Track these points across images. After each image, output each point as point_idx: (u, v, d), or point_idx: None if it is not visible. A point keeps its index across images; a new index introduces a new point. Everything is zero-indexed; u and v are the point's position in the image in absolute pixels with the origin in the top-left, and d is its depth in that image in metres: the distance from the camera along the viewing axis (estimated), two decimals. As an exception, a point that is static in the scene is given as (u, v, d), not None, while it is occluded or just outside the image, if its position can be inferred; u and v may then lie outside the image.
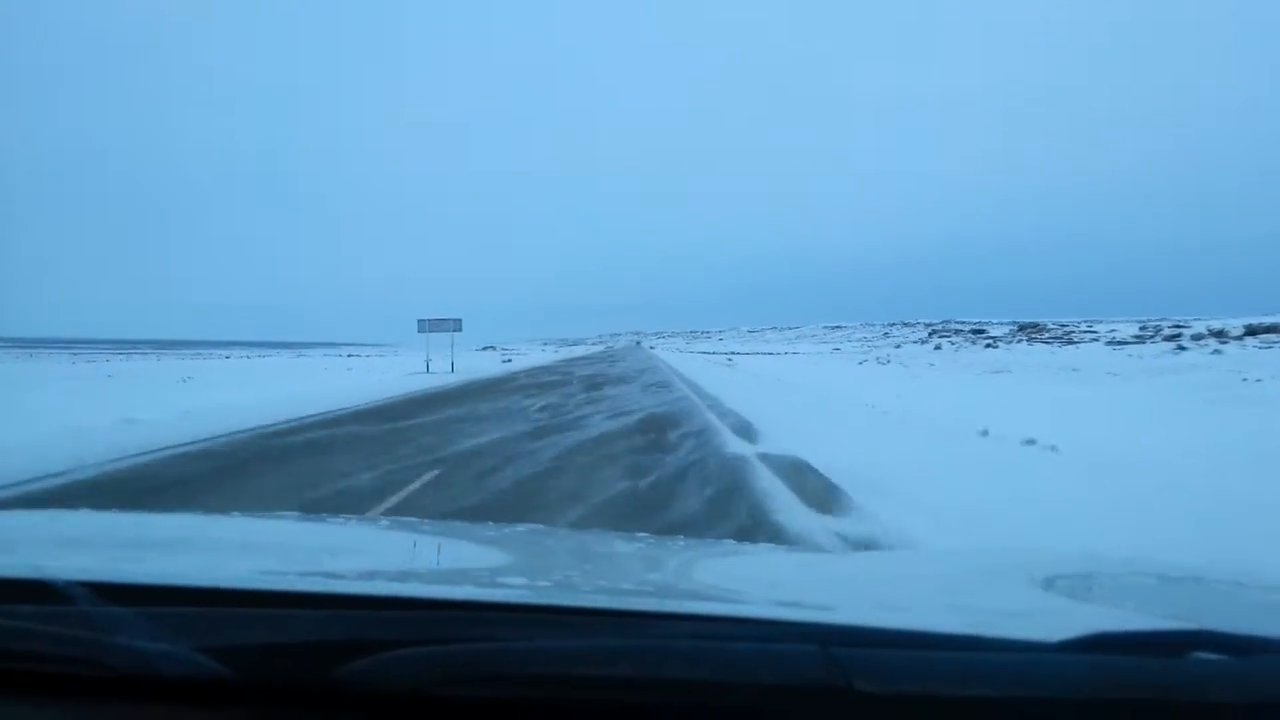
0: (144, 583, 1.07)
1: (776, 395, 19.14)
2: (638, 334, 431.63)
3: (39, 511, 2.26)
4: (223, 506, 6.20)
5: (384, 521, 2.30)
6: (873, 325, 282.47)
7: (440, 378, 28.87)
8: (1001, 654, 0.94)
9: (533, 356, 65.50)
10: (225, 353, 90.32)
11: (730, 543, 2.59)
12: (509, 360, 50.50)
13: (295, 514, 2.41)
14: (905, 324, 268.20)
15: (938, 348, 44.27)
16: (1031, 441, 9.16)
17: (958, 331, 58.27)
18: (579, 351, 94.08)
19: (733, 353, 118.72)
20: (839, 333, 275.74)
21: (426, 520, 2.41)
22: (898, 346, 51.86)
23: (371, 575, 1.43)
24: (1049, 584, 1.47)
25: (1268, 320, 29.50)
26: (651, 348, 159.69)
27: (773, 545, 2.96)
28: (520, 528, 2.14)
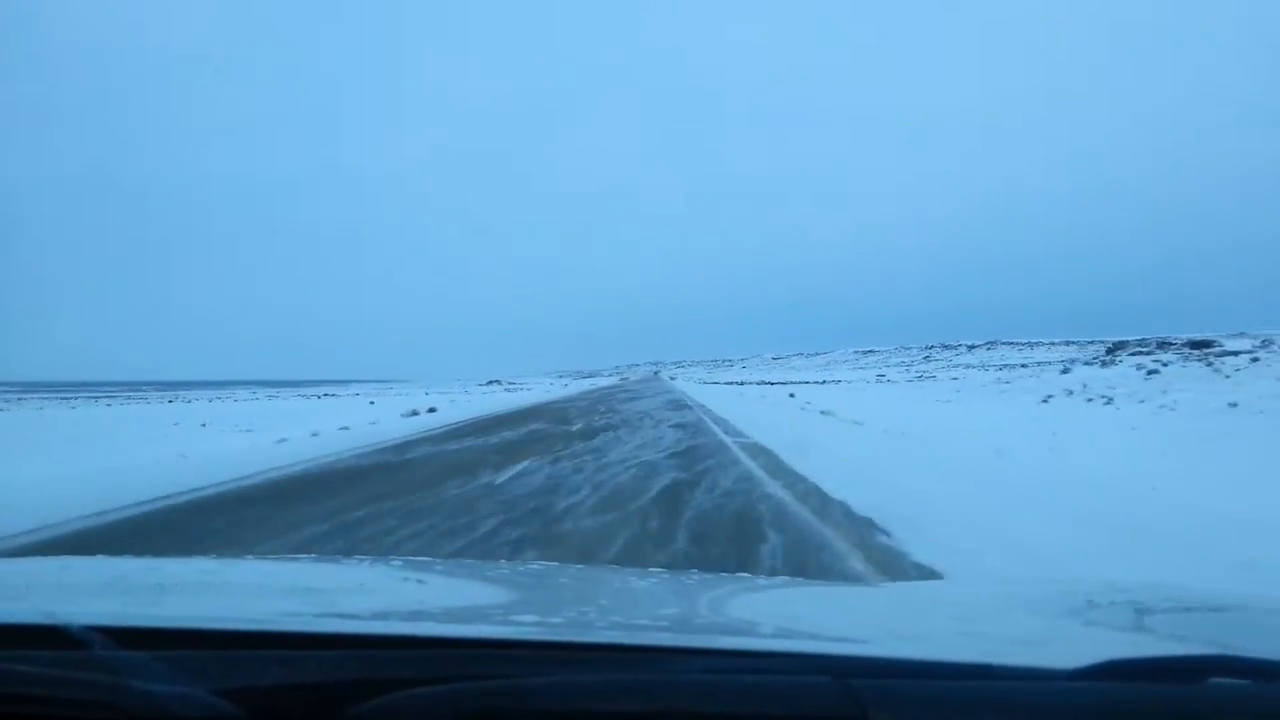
0: (159, 626, 1.08)
1: None
2: (656, 364, 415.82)
3: (51, 558, 2.20)
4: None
5: (397, 561, 2.21)
6: (909, 348, 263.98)
7: None
8: (1017, 683, 0.94)
9: (518, 395, 49.26)
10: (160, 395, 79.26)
11: (745, 576, 2.39)
12: (431, 411, 26.64)
13: (309, 556, 2.46)
14: (946, 346, 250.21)
15: (1152, 373, 26.60)
16: None
17: (1162, 346, 39.72)
18: (584, 386, 77.79)
19: (765, 382, 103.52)
20: (872, 357, 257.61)
21: (439, 559, 2.58)
22: (1064, 371, 33.72)
23: (385, 615, 1.43)
24: (1064, 611, 1.50)
25: None
26: (672, 378, 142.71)
27: (787, 578, 2.75)
28: (534, 565, 2.20)
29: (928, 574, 5.03)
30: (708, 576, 2.26)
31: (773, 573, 5.16)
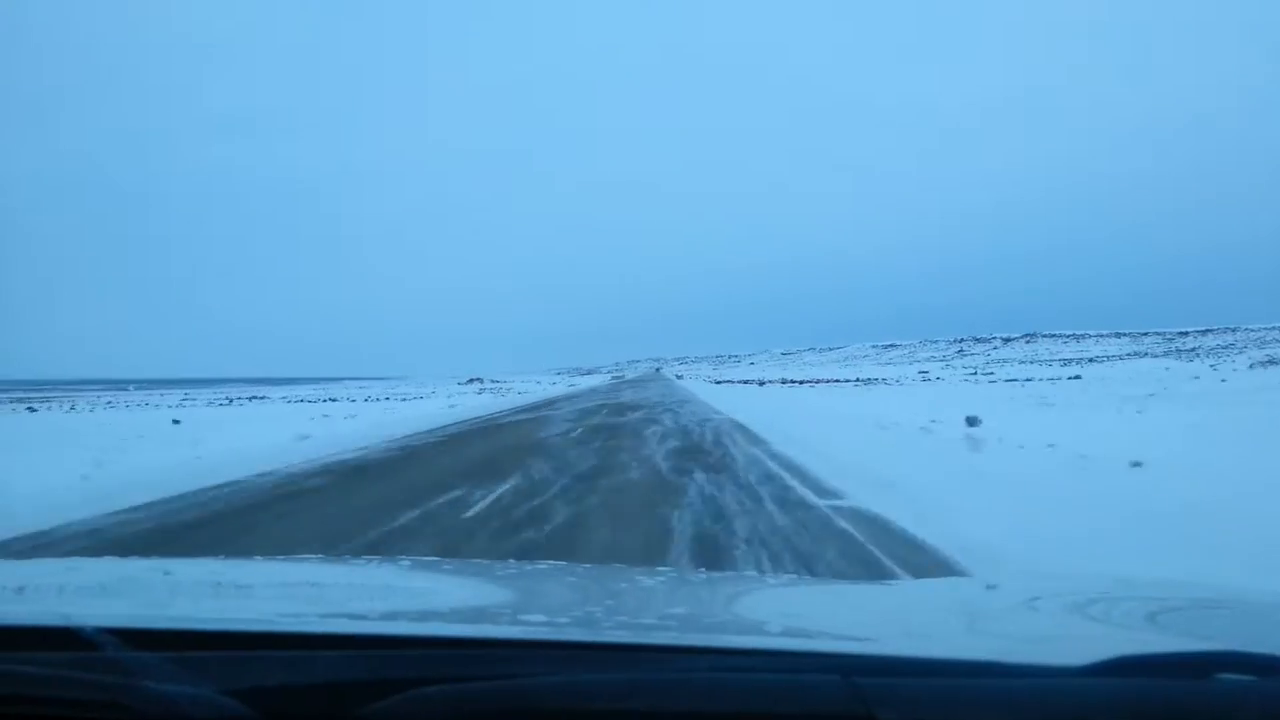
0: (169, 628, 1.10)
1: None
2: (658, 360, 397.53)
3: (61, 560, 2.34)
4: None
5: (405, 561, 2.23)
6: (935, 341, 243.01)
7: None
8: (1025, 680, 0.94)
9: (458, 404, 29.23)
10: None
11: (752, 575, 2.60)
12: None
13: (317, 556, 2.40)
14: (978, 339, 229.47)
15: None
16: None
17: None
18: (562, 390, 56.86)
19: (790, 381, 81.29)
20: (895, 351, 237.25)
21: (447, 559, 2.47)
22: None
23: (393, 615, 1.45)
24: (1073, 609, 1.50)
25: None
26: (678, 377, 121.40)
27: (795, 576, 2.95)
28: (542, 564, 2.17)
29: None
30: (715, 575, 2.16)
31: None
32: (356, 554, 5.53)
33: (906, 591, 2.11)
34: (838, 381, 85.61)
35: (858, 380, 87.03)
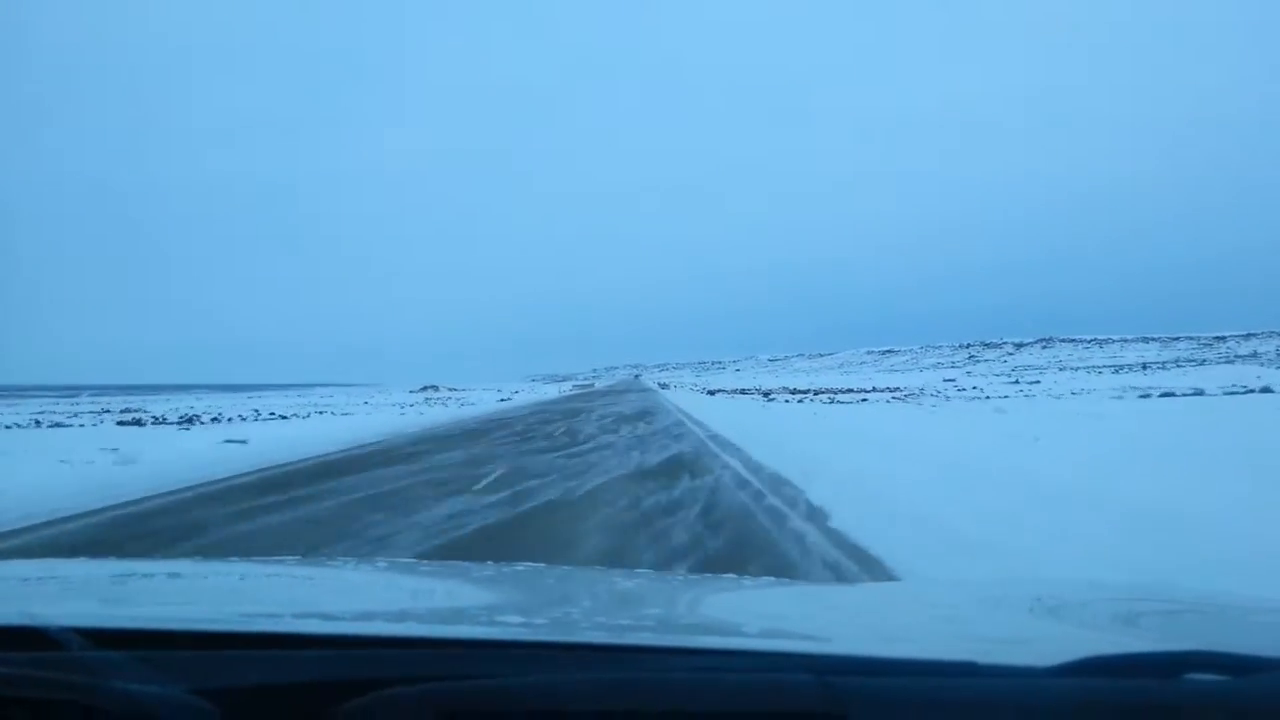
0: (139, 627, 1.08)
1: None
2: (637, 367, 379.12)
3: (33, 560, 2.17)
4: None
5: (382, 563, 2.25)
6: (939, 346, 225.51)
7: None
8: (998, 680, 0.95)
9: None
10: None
11: (730, 577, 2.47)
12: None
13: (293, 557, 2.45)
14: (988, 344, 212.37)
15: None
16: None
17: None
18: (495, 408, 37.90)
19: (794, 391, 60.07)
20: (895, 358, 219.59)
21: (424, 561, 2.42)
22: None
23: (368, 615, 1.45)
24: (1048, 611, 1.53)
25: None
26: (663, 385, 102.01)
27: (773, 579, 2.79)
28: (520, 566, 2.18)
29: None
30: (693, 577, 2.14)
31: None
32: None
33: (880, 592, 2.05)
34: (854, 392, 66.51)
35: (878, 390, 67.99)
